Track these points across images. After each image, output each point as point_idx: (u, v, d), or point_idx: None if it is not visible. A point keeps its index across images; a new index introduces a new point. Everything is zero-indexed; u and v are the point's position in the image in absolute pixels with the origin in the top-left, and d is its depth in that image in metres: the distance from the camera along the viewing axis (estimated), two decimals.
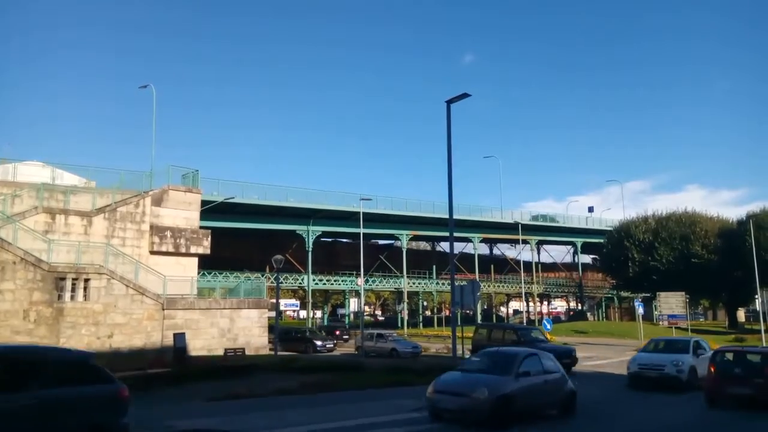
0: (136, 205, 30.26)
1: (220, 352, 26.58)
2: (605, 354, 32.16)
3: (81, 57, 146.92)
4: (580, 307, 79.91)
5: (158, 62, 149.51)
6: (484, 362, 12.83)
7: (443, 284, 62.98)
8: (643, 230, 60.26)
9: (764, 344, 34.59)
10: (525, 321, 61.09)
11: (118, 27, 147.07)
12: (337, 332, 43.23)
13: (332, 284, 58.30)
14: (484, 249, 75.74)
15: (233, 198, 43.01)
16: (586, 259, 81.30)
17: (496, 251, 79.76)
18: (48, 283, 24.77)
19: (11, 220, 25.30)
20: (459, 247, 66.62)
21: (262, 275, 45.24)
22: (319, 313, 79.01)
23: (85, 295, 25.86)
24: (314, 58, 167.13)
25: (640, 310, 40.49)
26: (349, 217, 50.68)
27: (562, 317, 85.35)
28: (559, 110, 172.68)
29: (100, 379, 8.75)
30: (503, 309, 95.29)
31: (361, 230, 43.81)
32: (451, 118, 20.17)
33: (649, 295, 58.01)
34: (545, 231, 68.10)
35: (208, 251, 33.67)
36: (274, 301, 34.78)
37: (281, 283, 42.44)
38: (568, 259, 79.22)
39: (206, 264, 44.08)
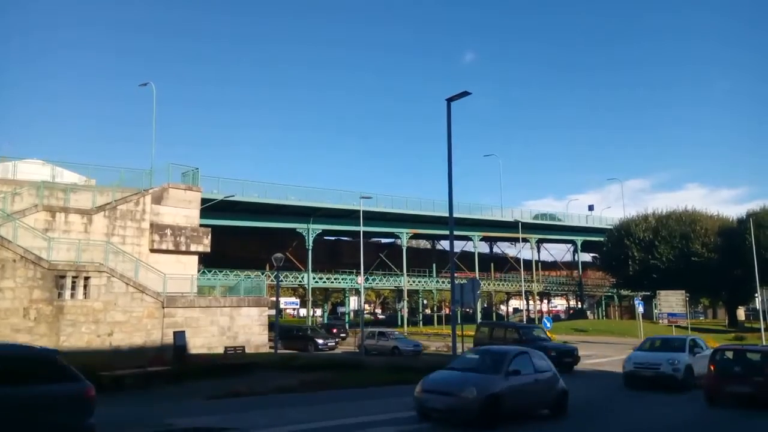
0: (137, 203, 30.27)
1: (221, 350, 26.60)
2: (605, 352, 32.19)
3: (81, 57, 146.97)
4: (580, 306, 79.97)
5: (158, 62, 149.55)
6: (474, 361, 12.62)
7: (443, 282, 63.00)
8: (643, 229, 60.27)
9: (764, 343, 34.61)
10: (525, 319, 61.12)
11: (118, 27, 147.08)
12: (335, 330, 43.19)
13: (332, 282, 58.31)
14: (484, 247, 75.80)
15: (233, 196, 42.98)
16: (587, 257, 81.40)
17: (496, 249, 79.84)
18: (48, 281, 24.77)
19: (11, 218, 25.30)
20: (459, 246, 66.60)
21: (263, 273, 45.25)
22: (319, 312, 79.02)
23: (85, 293, 25.86)
24: (314, 58, 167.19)
25: (640, 309, 40.54)
26: (349, 215, 50.65)
27: (562, 316, 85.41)
28: (559, 110, 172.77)
29: (65, 377, 8.45)
30: (503, 307, 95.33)
31: (361, 228, 43.78)
32: (451, 116, 20.16)
33: (649, 293, 58.06)
34: (545, 229, 68.08)
35: (209, 249, 33.67)
36: (274, 299, 34.81)
37: (281, 281, 42.44)
38: (569, 257, 79.25)
39: (207, 262, 44.16)
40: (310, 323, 51.02)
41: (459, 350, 20.82)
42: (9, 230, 24.88)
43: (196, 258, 33.36)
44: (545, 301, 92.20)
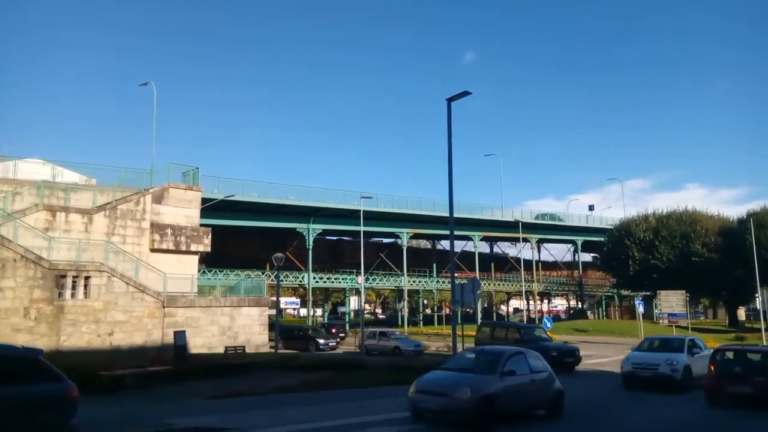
0: (137, 203, 30.27)
1: (221, 350, 26.61)
2: (605, 352, 32.18)
3: (81, 57, 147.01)
4: (580, 306, 79.95)
5: (158, 62, 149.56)
6: (468, 361, 12.54)
7: (444, 282, 63.00)
8: (643, 229, 60.27)
9: (765, 343, 34.59)
10: (525, 319, 61.11)
11: (118, 27, 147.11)
12: (333, 330, 43.16)
13: (333, 282, 58.31)
14: (484, 247, 75.79)
15: (233, 196, 42.98)
16: (587, 257, 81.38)
17: (496, 249, 79.85)
18: (48, 281, 24.78)
19: (12, 218, 25.30)
20: (459, 246, 66.59)
21: (263, 273, 45.26)
22: (319, 311, 79.01)
23: (85, 293, 25.87)
24: (314, 58, 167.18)
25: (641, 309, 40.53)
26: (350, 215, 50.64)
27: (562, 316, 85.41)
28: (559, 110, 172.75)
29: (47, 377, 8.37)
30: (503, 307, 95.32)
31: (362, 228, 43.77)
32: (451, 116, 20.14)
33: (649, 293, 58.06)
34: (546, 229, 68.07)
35: (209, 249, 33.68)
36: (274, 299, 34.81)
37: (282, 281, 42.44)
38: (569, 257, 79.26)
39: (208, 262, 44.14)
40: (310, 323, 51.06)
41: (459, 350, 20.81)
42: (9, 230, 24.88)
43: (196, 258, 33.36)
44: (545, 301, 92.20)
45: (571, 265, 78.05)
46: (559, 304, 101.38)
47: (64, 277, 25.31)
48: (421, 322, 67.00)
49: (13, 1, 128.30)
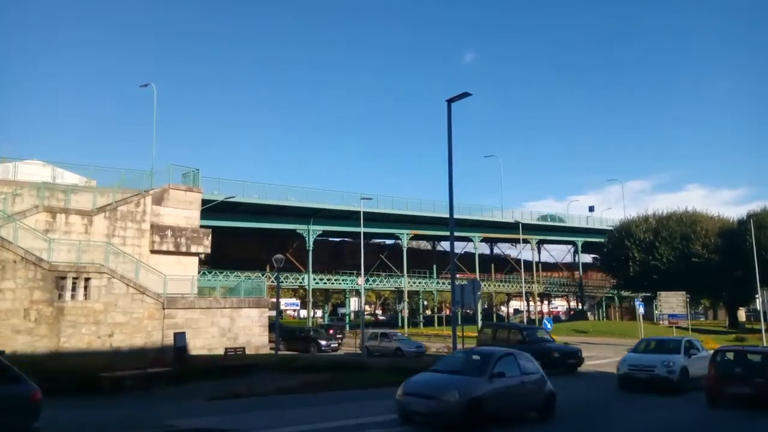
0: (137, 204, 30.27)
1: (221, 352, 26.57)
2: (605, 353, 32.17)
3: (81, 57, 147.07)
4: (580, 307, 79.92)
5: (158, 62, 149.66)
6: (458, 363, 12.41)
7: (444, 283, 63.00)
8: (643, 230, 60.27)
9: (765, 344, 34.58)
10: (525, 320, 61.10)
11: (118, 27, 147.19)
12: (331, 331, 43.15)
13: (333, 283, 58.34)
14: (484, 248, 75.77)
15: (234, 197, 43.00)
16: (587, 258, 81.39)
17: (496, 251, 79.87)
18: (48, 282, 24.78)
19: (12, 219, 25.30)
20: (459, 247, 66.67)
21: (263, 274, 45.27)
22: (319, 313, 79.01)
23: (85, 294, 25.87)
24: (314, 58, 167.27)
25: (641, 310, 40.46)
26: (350, 217, 50.67)
27: (562, 317, 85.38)
28: (559, 110, 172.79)
29: (8, 379, 8.22)
30: (504, 308, 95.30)
31: (362, 229, 43.79)
32: (451, 117, 20.14)
33: (649, 294, 58.01)
34: (546, 230, 68.08)
35: (209, 250, 33.68)
36: (274, 300, 34.79)
37: (282, 282, 42.43)
38: (569, 258, 79.30)
39: (210, 263, 44.17)
40: (310, 324, 51.05)
41: None
42: (10, 231, 24.88)
43: (196, 259, 33.35)
44: (546, 302, 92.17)
45: (572, 266, 78.06)
46: (560, 305, 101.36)
47: (64, 278, 25.31)
48: (422, 323, 67.01)
49: (13, 1, 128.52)
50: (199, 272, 34.82)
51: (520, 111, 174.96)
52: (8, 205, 26.30)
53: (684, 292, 42.21)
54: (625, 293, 72.73)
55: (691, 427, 12.94)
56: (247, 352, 27.19)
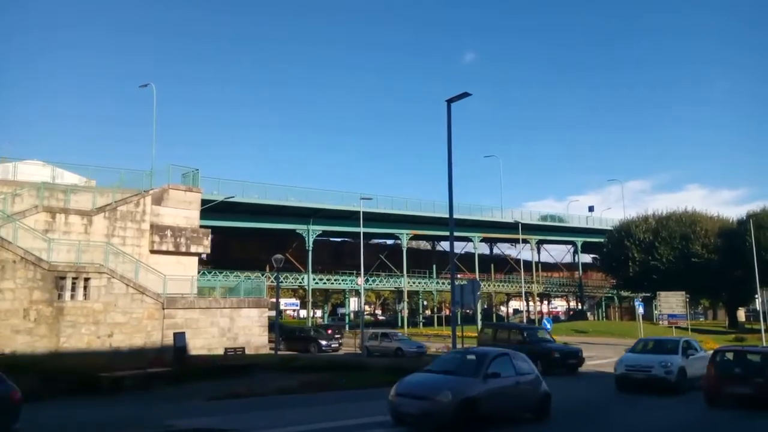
0: (137, 204, 30.27)
1: (221, 352, 26.58)
2: (605, 353, 32.18)
3: (81, 57, 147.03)
4: (580, 307, 79.96)
5: (158, 62, 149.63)
6: (452, 363, 12.27)
7: (443, 283, 63.00)
8: (643, 230, 60.30)
9: (764, 344, 34.59)
10: (525, 320, 61.11)
11: (118, 27, 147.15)
12: (329, 331, 43.16)
13: (332, 284, 58.34)
14: (484, 248, 75.79)
15: (233, 197, 43.00)
16: (587, 258, 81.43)
17: (496, 251, 79.88)
18: (48, 282, 24.77)
19: (11, 219, 25.30)
20: (459, 247, 66.67)
21: (263, 274, 45.27)
22: (319, 313, 79.02)
23: (85, 294, 25.86)
24: (314, 58, 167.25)
25: (641, 310, 40.48)
26: (350, 217, 50.68)
27: (562, 317, 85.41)
28: (559, 110, 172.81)
29: None
30: (503, 308, 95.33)
31: (361, 230, 43.79)
32: (451, 117, 20.13)
33: (649, 294, 58.06)
34: (546, 230, 68.10)
35: (209, 250, 33.67)
36: (274, 300, 34.80)
37: (281, 282, 42.43)
38: (569, 258, 79.32)
39: (212, 263, 44.15)
40: (310, 324, 51.05)
41: None
42: (9, 231, 24.88)
43: (196, 259, 33.36)
44: (545, 302, 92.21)
45: (571, 266, 78.08)
46: (559, 305, 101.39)
47: (63, 278, 25.31)
48: (421, 323, 67.04)
49: (13, 0, 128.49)
50: (199, 272, 34.83)
51: (520, 111, 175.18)
52: (8, 205, 26.30)
53: (683, 292, 42.23)
54: (624, 293, 72.76)
55: (691, 428, 12.92)
56: (247, 352, 27.19)
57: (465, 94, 19.55)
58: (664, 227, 59.62)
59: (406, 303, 57.28)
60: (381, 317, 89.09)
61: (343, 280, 58.49)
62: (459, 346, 20.64)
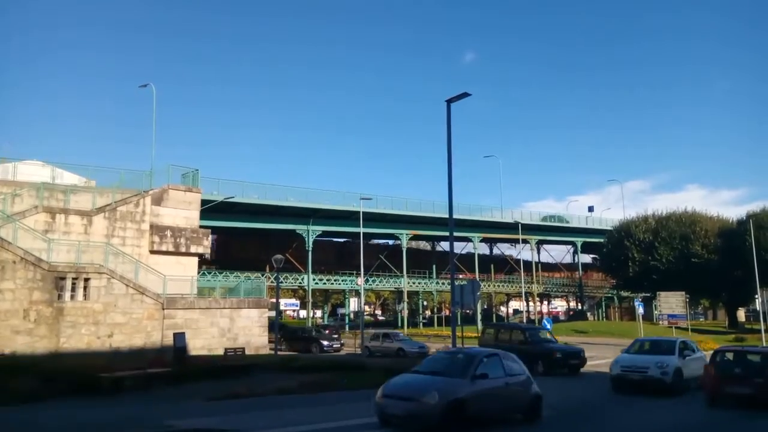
0: (136, 205, 30.27)
1: (220, 352, 26.55)
2: (605, 354, 32.13)
3: (81, 57, 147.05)
4: (580, 307, 79.97)
5: (158, 62, 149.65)
6: (440, 363, 12.09)
7: (443, 284, 62.99)
8: (643, 230, 60.30)
9: (764, 344, 34.59)
10: (525, 321, 61.10)
11: (118, 27, 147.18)
12: (328, 331, 43.17)
13: (332, 284, 58.34)
14: (484, 249, 75.81)
15: (233, 197, 43.02)
16: (587, 258, 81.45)
17: (496, 251, 79.89)
18: (48, 283, 24.76)
19: (11, 220, 25.30)
20: (459, 247, 66.68)
21: (262, 275, 45.27)
22: (319, 313, 79.00)
23: (85, 295, 25.86)
24: (314, 58, 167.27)
25: (640, 310, 40.47)
26: (349, 217, 50.70)
27: (561, 317, 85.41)
28: (559, 110, 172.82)
29: None
30: (503, 309, 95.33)
31: (361, 230, 43.80)
32: (451, 117, 20.14)
33: (649, 294, 58.05)
34: (545, 231, 68.12)
35: (209, 251, 33.68)
36: (274, 300, 34.82)
37: (281, 282, 42.43)
38: (569, 258, 79.34)
39: (215, 264, 44.12)
40: (310, 325, 51.07)
41: None
42: (9, 232, 24.87)
43: (196, 259, 33.35)
44: (545, 302, 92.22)
45: (571, 267, 78.09)
46: (559, 305, 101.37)
47: (63, 278, 25.30)
48: (421, 324, 67.04)
49: (13, 1, 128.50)
50: (200, 272, 34.83)
51: (520, 111, 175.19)
52: (8, 205, 26.30)
53: (683, 293, 42.21)
54: (624, 293, 72.76)
55: (692, 428, 12.93)
56: (247, 352, 27.16)
57: (465, 94, 19.55)
58: (664, 227, 59.62)
59: (406, 303, 57.30)
60: (381, 317, 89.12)
61: (343, 281, 58.49)
62: (459, 346, 20.65)
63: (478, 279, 49.75)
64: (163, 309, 28.02)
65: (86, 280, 25.94)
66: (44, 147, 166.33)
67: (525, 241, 63.98)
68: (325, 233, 55.51)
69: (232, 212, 46.47)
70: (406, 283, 58.44)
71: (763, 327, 36.43)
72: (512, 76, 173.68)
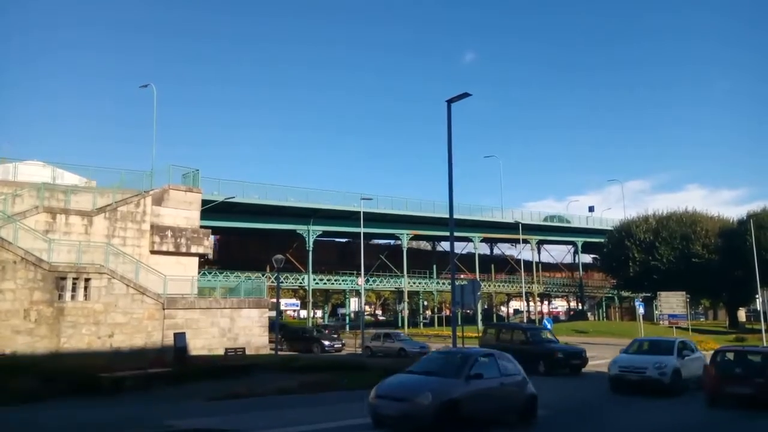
0: (137, 205, 30.28)
1: (221, 352, 26.58)
2: (605, 354, 32.08)
3: (81, 57, 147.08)
4: (580, 307, 79.97)
5: (158, 62, 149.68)
6: (434, 363, 11.99)
7: (444, 284, 63.01)
8: (643, 230, 60.29)
9: (765, 344, 34.57)
10: (525, 320, 61.11)
11: (118, 27, 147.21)
12: (327, 331, 43.10)
13: (333, 284, 58.35)
14: (484, 249, 75.80)
15: (233, 197, 43.04)
16: (587, 258, 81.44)
17: (496, 251, 79.90)
18: (49, 283, 24.78)
19: (12, 220, 25.31)
20: (459, 247, 66.64)
21: (263, 275, 45.29)
22: (319, 313, 79.01)
23: (85, 295, 25.87)
24: (314, 58, 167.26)
25: (641, 310, 40.45)
26: (350, 217, 50.71)
27: (562, 317, 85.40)
28: (559, 110, 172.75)
29: None
30: (504, 309, 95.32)
31: (362, 230, 43.81)
32: (451, 117, 20.15)
33: (649, 294, 58.01)
34: (546, 231, 68.12)
35: (209, 251, 33.67)
36: (274, 300, 34.81)
37: (282, 282, 42.43)
38: (569, 258, 79.34)
39: (216, 264, 44.12)
40: (310, 325, 51.08)
41: None
42: (9, 232, 24.89)
43: (196, 259, 33.36)
44: (546, 302, 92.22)
45: (572, 267, 78.09)
46: (560, 305, 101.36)
47: (64, 279, 25.32)
48: (422, 324, 67.03)
49: (13, 1, 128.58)
50: (200, 272, 34.83)
51: (520, 111, 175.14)
52: (8, 205, 26.31)
53: (684, 293, 42.20)
54: (625, 293, 72.75)
55: (691, 428, 12.92)
56: (247, 352, 27.19)
57: (465, 95, 19.55)
58: (665, 227, 59.61)
59: (406, 303, 57.29)
60: (381, 318, 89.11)
61: (343, 281, 58.51)
62: (459, 346, 20.65)
63: (478, 279, 49.75)
64: (164, 309, 28.03)
65: (87, 280, 25.96)
66: (44, 147, 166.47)
67: (525, 241, 63.98)
68: (325, 233, 55.52)
69: (232, 212, 46.49)
70: (406, 283, 58.44)
71: (763, 327, 36.40)
72: (512, 76, 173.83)
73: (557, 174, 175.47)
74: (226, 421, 11.83)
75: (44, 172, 29.90)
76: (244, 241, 58.73)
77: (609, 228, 68.45)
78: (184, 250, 31.77)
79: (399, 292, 64.06)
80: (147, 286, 27.89)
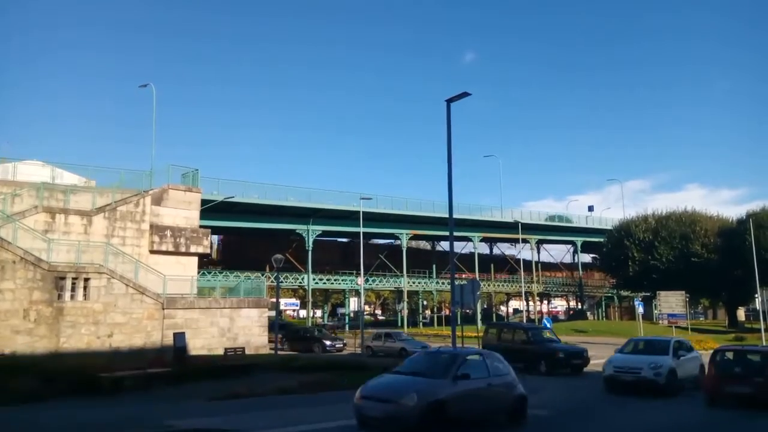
0: (136, 205, 30.26)
1: (220, 352, 26.56)
2: (605, 353, 32.04)
3: (81, 57, 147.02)
4: (580, 307, 80.00)
5: (158, 62, 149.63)
6: (421, 363, 11.78)
7: (443, 283, 62.99)
8: (643, 229, 60.31)
9: (764, 343, 34.59)
10: (525, 320, 61.11)
11: (118, 27, 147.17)
12: (326, 331, 43.03)
13: (332, 284, 58.33)
14: (484, 248, 75.81)
15: (233, 197, 43.00)
16: (587, 258, 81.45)
17: (496, 250, 79.90)
18: (48, 283, 24.76)
19: (11, 220, 25.29)
20: (459, 247, 66.69)
21: (262, 274, 45.27)
22: (319, 313, 78.99)
23: (85, 295, 25.85)
24: (314, 58, 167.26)
25: (640, 310, 40.50)
26: (349, 217, 50.69)
27: (561, 317, 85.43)
28: (559, 110, 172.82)
29: None
30: (503, 308, 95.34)
31: (361, 230, 43.79)
32: (451, 117, 20.13)
33: (649, 294, 58.09)
34: (545, 230, 68.11)
35: (209, 250, 33.67)
36: (274, 300, 34.81)
37: (281, 282, 42.42)
38: (569, 258, 79.34)
39: (219, 264, 44.10)
40: (310, 324, 51.07)
41: None
42: (9, 231, 24.87)
43: (195, 259, 33.35)
44: (545, 301, 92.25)
45: (571, 266, 78.10)
46: (559, 305, 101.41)
47: (63, 278, 25.30)
48: (421, 323, 67.02)
49: (13, 1, 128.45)
50: (200, 272, 34.82)
51: (520, 111, 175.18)
52: (7, 205, 26.29)
53: (683, 292, 42.22)
54: (624, 293, 72.79)
55: (691, 428, 12.91)
56: (247, 352, 27.17)
57: (465, 94, 19.54)
58: (664, 227, 59.64)
59: (406, 303, 57.29)
60: (381, 317, 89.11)
61: (343, 280, 58.49)
62: (459, 346, 20.64)
63: (478, 278, 49.73)
64: (163, 309, 28.02)
65: (86, 280, 25.94)
66: (44, 147, 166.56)
67: (525, 241, 63.97)
68: (325, 233, 55.51)
69: (232, 212, 46.46)
70: (406, 283, 58.43)
71: (763, 326, 36.43)
72: (512, 76, 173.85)
73: (557, 174, 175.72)
74: (226, 421, 11.82)
75: (44, 171, 29.88)
76: (244, 241, 58.70)
77: (608, 228, 68.48)
78: (183, 249, 31.75)
79: (399, 292, 64.05)
80: (146, 286, 27.88)
